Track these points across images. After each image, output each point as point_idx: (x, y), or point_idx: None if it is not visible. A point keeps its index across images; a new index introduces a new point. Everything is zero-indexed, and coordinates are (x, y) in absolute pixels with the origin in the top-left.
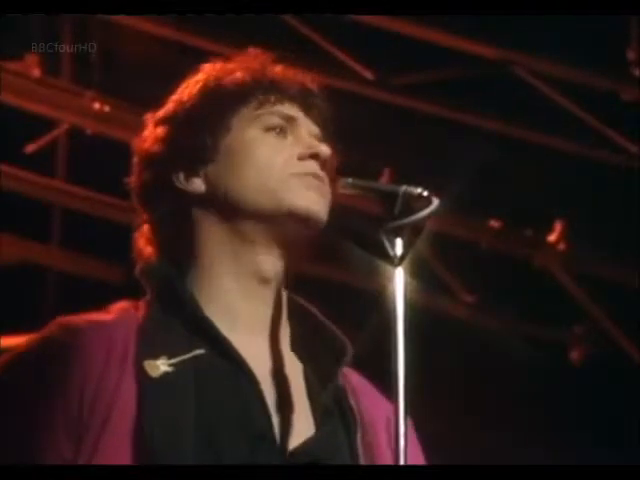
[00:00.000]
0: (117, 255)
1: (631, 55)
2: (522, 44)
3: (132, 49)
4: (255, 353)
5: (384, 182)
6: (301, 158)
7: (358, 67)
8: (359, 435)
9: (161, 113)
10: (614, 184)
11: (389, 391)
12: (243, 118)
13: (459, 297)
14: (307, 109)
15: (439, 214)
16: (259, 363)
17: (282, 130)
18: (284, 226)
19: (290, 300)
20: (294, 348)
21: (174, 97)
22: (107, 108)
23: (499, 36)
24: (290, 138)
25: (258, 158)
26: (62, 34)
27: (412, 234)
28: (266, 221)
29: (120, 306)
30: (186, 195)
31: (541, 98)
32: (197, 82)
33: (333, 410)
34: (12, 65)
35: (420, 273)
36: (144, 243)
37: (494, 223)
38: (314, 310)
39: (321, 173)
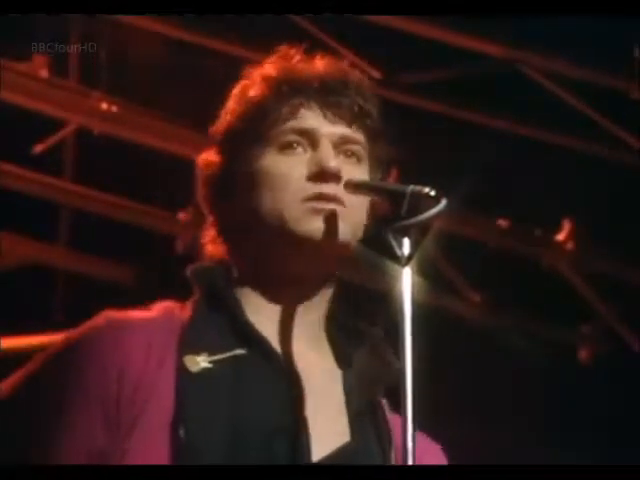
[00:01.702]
0: (125, 255)
1: (637, 53)
2: (530, 42)
3: (139, 49)
4: (296, 358)
5: (391, 182)
6: (309, 178)
7: (365, 66)
8: (393, 452)
9: (213, 130)
10: (623, 183)
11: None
12: (260, 141)
13: (467, 297)
14: (328, 106)
15: (446, 214)
16: (299, 367)
17: (298, 145)
18: (302, 254)
19: (335, 311)
20: (337, 358)
21: (222, 112)
22: (114, 108)
23: (507, 34)
24: (309, 152)
25: (270, 184)
26: (70, 35)
27: (419, 234)
28: (287, 247)
29: (164, 305)
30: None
31: (550, 97)
32: (233, 98)
33: (369, 420)
34: (20, 66)
35: (427, 273)
36: (209, 242)
37: (502, 222)
38: (369, 327)
39: (330, 194)
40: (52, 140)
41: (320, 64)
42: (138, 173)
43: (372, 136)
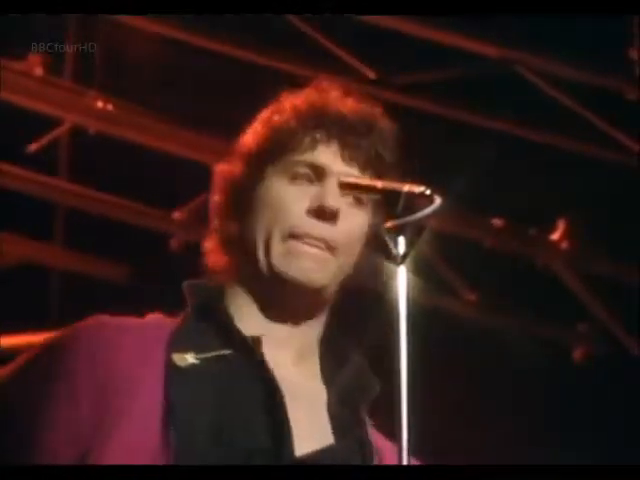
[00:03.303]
0: (120, 254)
1: (635, 55)
2: (525, 43)
3: (135, 48)
4: (280, 364)
5: (386, 181)
6: (309, 212)
7: (360, 66)
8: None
9: (238, 147)
10: (617, 183)
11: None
12: (275, 167)
13: (462, 296)
14: (346, 146)
15: (441, 213)
16: (282, 374)
17: (308, 179)
18: (284, 288)
19: (326, 328)
20: (322, 372)
21: (248, 130)
22: (110, 107)
23: (502, 35)
24: (315, 186)
25: (273, 210)
26: (65, 34)
27: (414, 233)
28: (269, 279)
29: (156, 315)
30: (224, 232)
31: (544, 97)
32: (260, 120)
33: (352, 432)
34: (15, 64)
35: (422, 272)
36: (212, 251)
37: (497, 222)
38: (350, 345)
39: (320, 233)
40: (47, 139)
41: (351, 103)
42: (133, 172)
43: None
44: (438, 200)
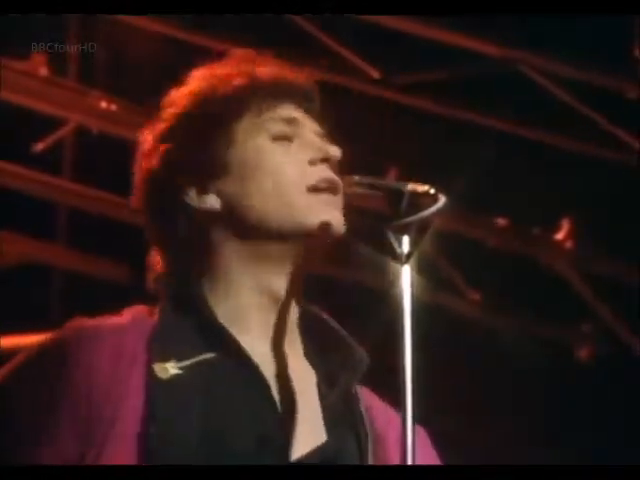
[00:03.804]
0: (123, 254)
1: (637, 53)
2: (528, 43)
3: (139, 48)
4: (265, 359)
5: (390, 180)
6: (312, 163)
7: (364, 66)
8: (370, 448)
9: (160, 128)
10: (620, 182)
11: (396, 388)
12: (247, 128)
13: (466, 295)
14: (306, 108)
15: (446, 212)
16: (269, 368)
17: (288, 136)
18: (303, 243)
19: (304, 308)
20: (308, 356)
21: (170, 110)
22: (114, 107)
23: (505, 35)
24: (296, 142)
25: (271, 171)
26: (69, 33)
27: (419, 232)
28: (285, 240)
29: (135, 310)
30: (200, 212)
31: (547, 96)
32: (192, 93)
33: (345, 418)
34: (19, 64)
35: (427, 271)
36: (157, 257)
37: (501, 221)
38: (330, 320)
39: (335, 178)
40: (51, 139)
41: (284, 68)
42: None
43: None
44: (442, 199)
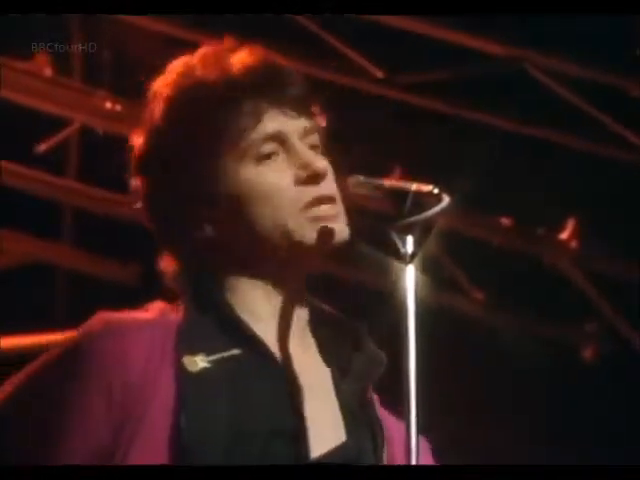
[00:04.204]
0: (129, 254)
1: None
2: (533, 42)
3: (143, 48)
4: (291, 357)
5: (394, 180)
6: (299, 183)
7: (368, 65)
8: (385, 447)
9: (138, 157)
10: (626, 181)
11: (399, 387)
12: (230, 158)
13: (470, 295)
14: (279, 100)
15: (450, 212)
16: (294, 366)
17: (273, 152)
18: (306, 257)
19: (317, 308)
20: (323, 355)
21: (148, 136)
22: (118, 107)
23: (509, 34)
24: (282, 156)
25: (263, 198)
26: (73, 33)
27: (423, 232)
28: (286, 262)
29: (158, 306)
30: (198, 240)
31: (552, 96)
32: (166, 117)
33: (361, 418)
34: (23, 65)
35: (431, 271)
36: (168, 256)
37: (505, 221)
38: (348, 320)
39: (326, 193)
40: (56, 139)
41: (247, 59)
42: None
43: (319, 121)
44: (446, 199)
